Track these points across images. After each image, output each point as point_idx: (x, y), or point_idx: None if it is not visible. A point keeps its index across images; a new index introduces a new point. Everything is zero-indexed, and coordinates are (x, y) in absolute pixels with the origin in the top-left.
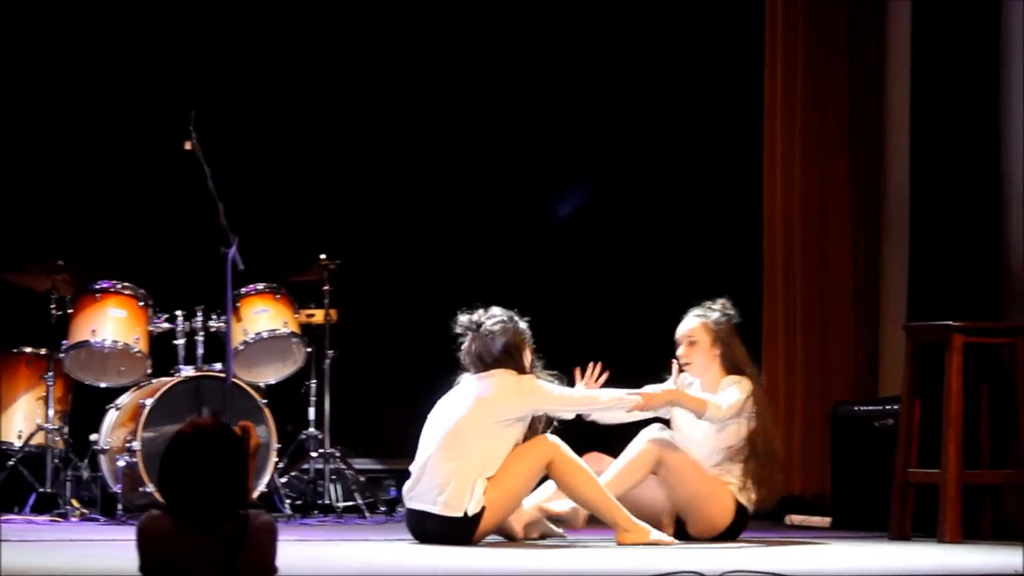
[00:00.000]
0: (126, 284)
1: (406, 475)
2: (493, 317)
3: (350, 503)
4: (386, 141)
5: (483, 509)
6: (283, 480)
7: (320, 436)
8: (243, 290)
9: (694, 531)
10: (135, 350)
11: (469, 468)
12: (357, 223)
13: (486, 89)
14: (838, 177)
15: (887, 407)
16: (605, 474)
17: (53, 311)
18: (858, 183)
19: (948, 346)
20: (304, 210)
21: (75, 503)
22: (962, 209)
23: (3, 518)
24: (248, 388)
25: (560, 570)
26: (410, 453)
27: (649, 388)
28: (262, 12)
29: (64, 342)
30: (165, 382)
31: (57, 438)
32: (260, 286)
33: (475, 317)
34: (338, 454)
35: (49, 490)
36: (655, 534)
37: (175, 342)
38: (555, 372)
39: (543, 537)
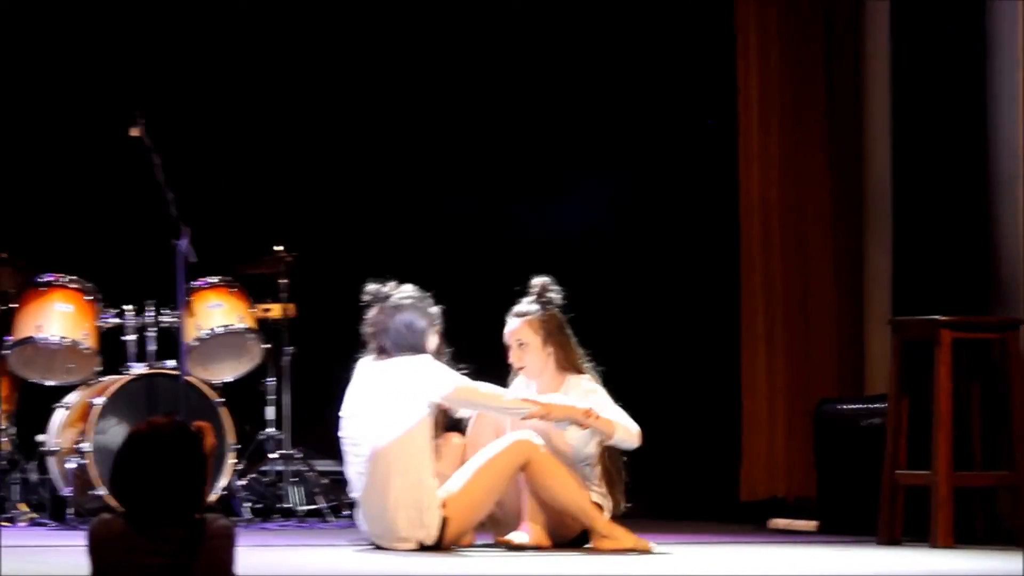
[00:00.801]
0: (73, 277)
1: None
2: (403, 292)
3: (312, 506)
4: (344, 125)
5: (444, 523)
6: (241, 483)
7: (280, 436)
8: (195, 284)
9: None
10: (83, 346)
11: (403, 497)
12: (315, 212)
13: (442, 70)
14: (817, 167)
15: (873, 405)
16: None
17: None
18: (838, 173)
19: (936, 341)
20: (258, 199)
21: (23, 507)
22: (948, 198)
23: None
24: (203, 386)
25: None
26: None
27: (553, 398)
28: None
29: (8, 338)
30: (116, 380)
31: (3, 439)
32: (213, 279)
33: (384, 288)
34: (299, 455)
35: None
36: (633, 540)
37: (125, 338)
38: (465, 366)
39: None
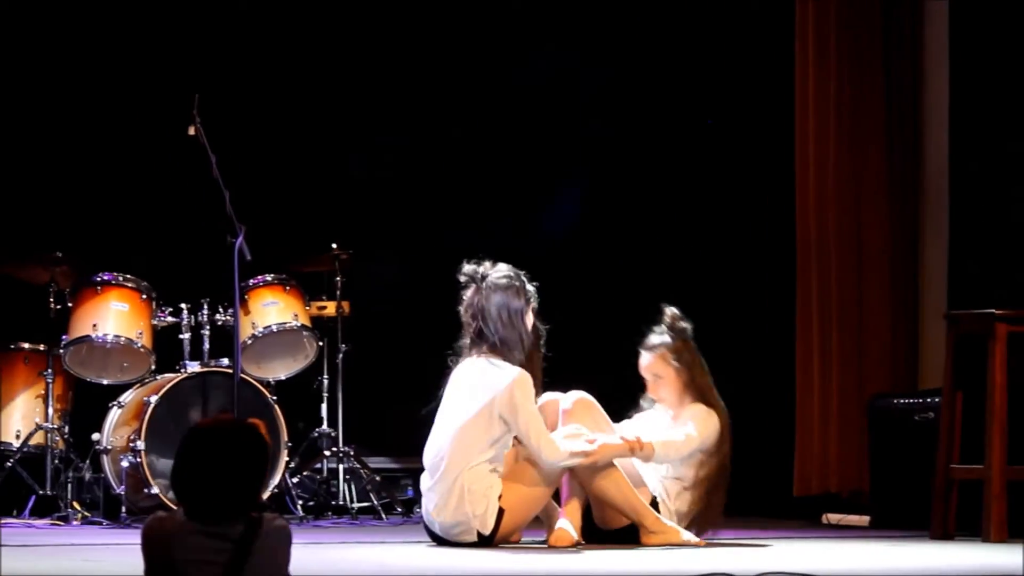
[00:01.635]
0: (128, 276)
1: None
2: (499, 272)
3: (365, 504)
4: (400, 125)
5: (500, 514)
6: (295, 480)
7: (333, 434)
8: (251, 282)
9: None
10: (138, 345)
11: (475, 481)
12: (370, 210)
13: (502, 77)
14: (874, 161)
15: (928, 400)
16: None
17: (52, 305)
18: (895, 166)
19: (991, 336)
20: (314, 197)
21: (76, 506)
22: (1004, 192)
23: (1, 522)
24: (257, 384)
25: (587, 572)
26: None
27: (601, 438)
28: None
29: (64, 337)
30: (170, 378)
31: (57, 438)
32: (269, 277)
33: (481, 268)
34: (352, 452)
35: (49, 492)
36: (684, 535)
37: (180, 336)
38: (549, 354)
39: None
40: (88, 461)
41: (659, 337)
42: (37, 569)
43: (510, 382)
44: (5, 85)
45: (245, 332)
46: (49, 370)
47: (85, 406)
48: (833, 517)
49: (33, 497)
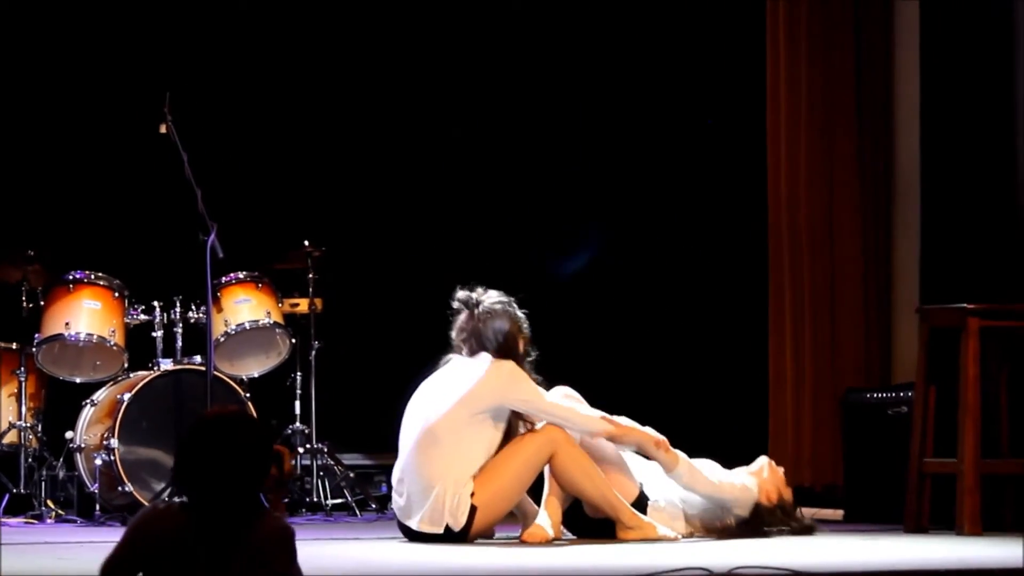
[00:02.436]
0: (100, 274)
1: None
2: (491, 298)
3: (339, 500)
4: (372, 122)
5: (473, 512)
6: None
7: (307, 431)
8: (223, 279)
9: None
10: (111, 343)
11: (446, 476)
12: (342, 207)
13: (472, 74)
14: (845, 154)
15: (901, 394)
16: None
17: (24, 303)
18: (866, 160)
19: (964, 329)
20: (286, 195)
21: (50, 504)
22: (975, 187)
23: None
24: (230, 381)
25: (563, 568)
26: None
27: (626, 421)
28: None
29: (36, 335)
30: (143, 376)
31: (31, 436)
32: (241, 275)
33: (474, 295)
34: (326, 449)
35: (23, 491)
36: (661, 530)
37: (153, 334)
38: (539, 378)
39: None
40: (62, 459)
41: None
42: (11, 568)
43: (488, 366)
44: None
45: (218, 329)
46: (22, 368)
47: (58, 404)
48: (807, 511)
49: (7, 496)
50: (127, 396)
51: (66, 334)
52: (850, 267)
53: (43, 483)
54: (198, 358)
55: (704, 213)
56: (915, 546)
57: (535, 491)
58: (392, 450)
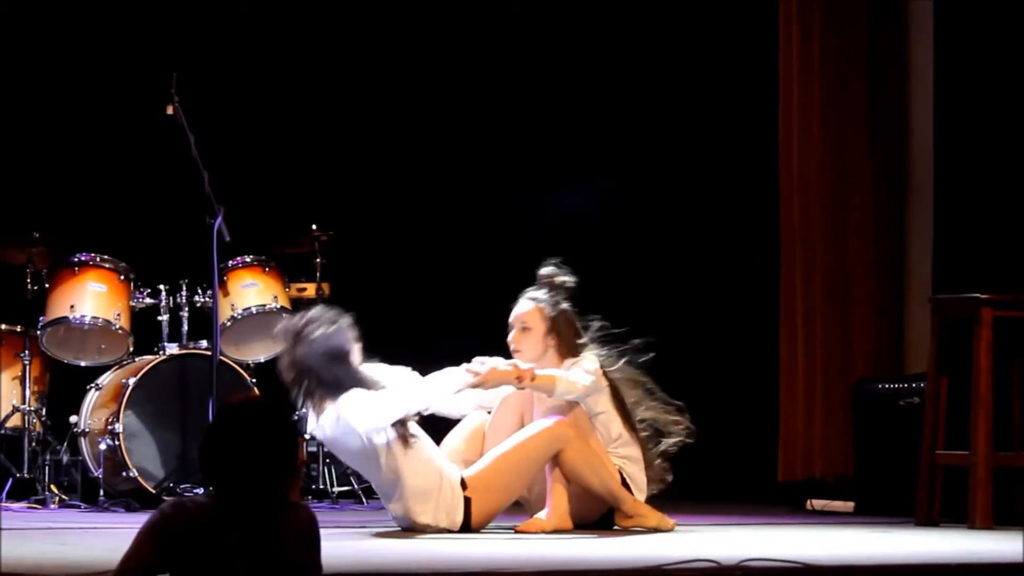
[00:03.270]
0: (106, 257)
1: None
2: (312, 322)
3: (345, 488)
4: (381, 105)
5: (468, 504)
6: None
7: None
8: (230, 263)
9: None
10: (116, 327)
11: (422, 485)
12: (350, 191)
13: (482, 57)
14: (858, 143)
15: (913, 385)
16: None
17: (29, 286)
18: (879, 148)
19: (977, 320)
20: (294, 178)
21: (54, 489)
22: (990, 175)
23: None
24: (236, 366)
25: (570, 558)
26: None
27: (491, 360)
28: None
29: (41, 318)
30: (148, 360)
31: (34, 420)
32: (248, 259)
33: (292, 323)
34: None
35: (26, 475)
36: (658, 518)
37: (159, 318)
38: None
39: None
40: (66, 444)
41: (540, 293)
42: (14, 553)
43: (346, 413)
44: None
45: (224, 314)
46: (26, 352)
47: (63, 388)
48: (817, 503)
49: (10, 480)
50: (132, 380)
51: (71, 317)
52: (863, 258)
53: (47, 468)
54: (204, 342)
55: (716, 204)
56: (926, 539)
57: None
58: None
